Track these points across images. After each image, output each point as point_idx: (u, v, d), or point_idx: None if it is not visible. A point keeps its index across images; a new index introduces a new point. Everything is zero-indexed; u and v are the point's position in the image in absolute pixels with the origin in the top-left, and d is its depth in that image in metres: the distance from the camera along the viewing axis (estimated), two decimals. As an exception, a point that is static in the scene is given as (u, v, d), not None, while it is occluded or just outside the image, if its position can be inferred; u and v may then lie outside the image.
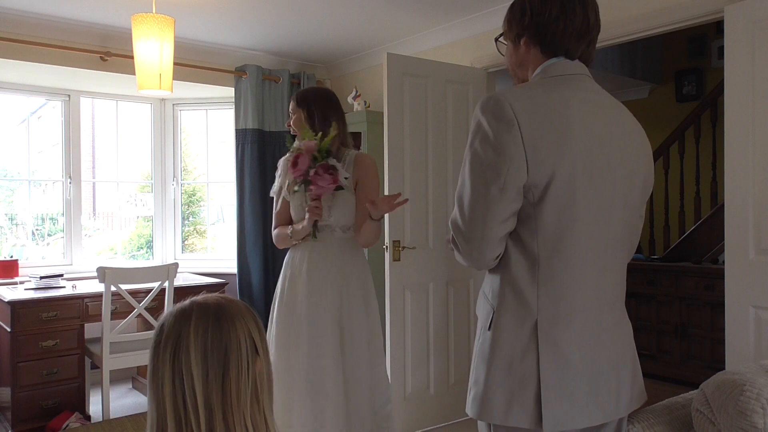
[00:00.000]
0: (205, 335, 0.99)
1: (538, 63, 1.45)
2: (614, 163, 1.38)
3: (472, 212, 1.34)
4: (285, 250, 2.64)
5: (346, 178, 2.38)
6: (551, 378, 1.33)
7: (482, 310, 1.46)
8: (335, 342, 2.43)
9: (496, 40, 1.57)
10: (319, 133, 2.41)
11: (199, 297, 1.07)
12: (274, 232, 2.65)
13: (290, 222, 2.56)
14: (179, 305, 1.05)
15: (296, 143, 2.48)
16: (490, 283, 1.45)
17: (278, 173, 2.64)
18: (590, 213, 1.35)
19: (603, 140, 1.36)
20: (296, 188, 2.46)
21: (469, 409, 1.43)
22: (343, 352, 2.44)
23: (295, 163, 2.38)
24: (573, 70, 1.42)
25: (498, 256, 1.40)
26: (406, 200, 2.36)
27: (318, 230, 2.45)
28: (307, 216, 2.43)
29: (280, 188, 2.60)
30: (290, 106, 2.60)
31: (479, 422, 1.46)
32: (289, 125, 2.59)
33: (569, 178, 1.30)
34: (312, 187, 2.35)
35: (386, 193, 3.29)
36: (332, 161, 2.36)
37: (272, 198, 2.68)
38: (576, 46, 1.42)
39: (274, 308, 2.58)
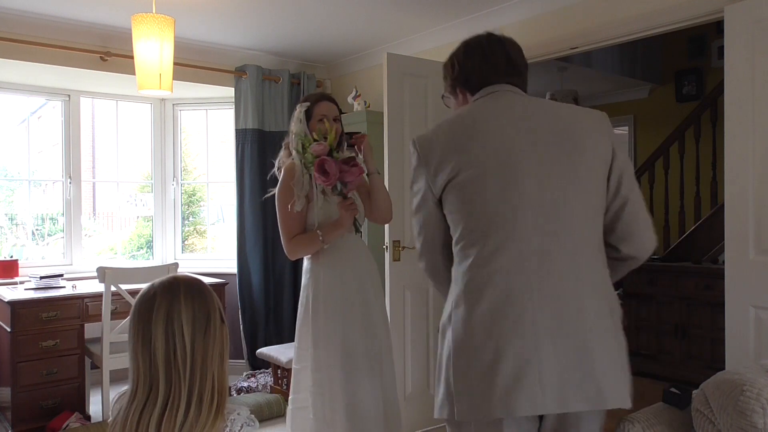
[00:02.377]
0: (194, 304, 1.26)
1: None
2: (523, 154, 1.47)
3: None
4: (283, 251, 2.54)
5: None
6: None
7: None
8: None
9: (443, 97, 1.79)
10: (316, 134, 2.39)
11: (179, 275, 1.32)
12: (292, 242, 2.43)
13: (302, 231, 2.45)
14: (162, 282, 1.29)
15: (308, 150, 2.35)
16: None
17: (294, 183, 2.39)
18: (502, 201, 1.46)
19: (510, 137, 1.49)
20: (336, 193, 2.35)
21: None
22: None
23: (323, 171, 2.25)
24: (499, 89, 1.59)
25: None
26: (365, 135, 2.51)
27: (359, 224, 2.49)
28: (341, 215, 2.37)
29: (307, 197, 2.41)
30: (334, 113, 2.51)
31: None
32: (342, 132, 2.49)
33: (473, 175, 1.49)
34: (346, 183, 2.33)
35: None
36: (344, 153, 2.36)
37: (273, 199, 2.51)
38: (503, 81, 1.59)
39: (321, 310, 2.44)
